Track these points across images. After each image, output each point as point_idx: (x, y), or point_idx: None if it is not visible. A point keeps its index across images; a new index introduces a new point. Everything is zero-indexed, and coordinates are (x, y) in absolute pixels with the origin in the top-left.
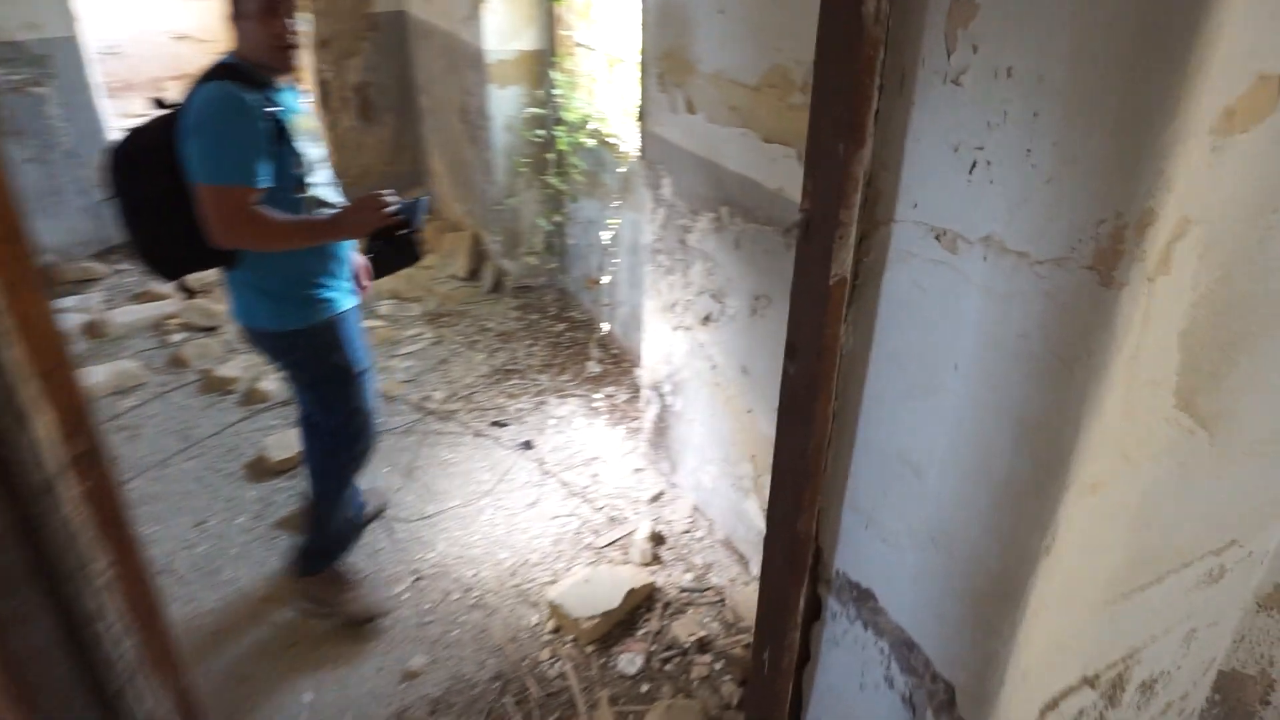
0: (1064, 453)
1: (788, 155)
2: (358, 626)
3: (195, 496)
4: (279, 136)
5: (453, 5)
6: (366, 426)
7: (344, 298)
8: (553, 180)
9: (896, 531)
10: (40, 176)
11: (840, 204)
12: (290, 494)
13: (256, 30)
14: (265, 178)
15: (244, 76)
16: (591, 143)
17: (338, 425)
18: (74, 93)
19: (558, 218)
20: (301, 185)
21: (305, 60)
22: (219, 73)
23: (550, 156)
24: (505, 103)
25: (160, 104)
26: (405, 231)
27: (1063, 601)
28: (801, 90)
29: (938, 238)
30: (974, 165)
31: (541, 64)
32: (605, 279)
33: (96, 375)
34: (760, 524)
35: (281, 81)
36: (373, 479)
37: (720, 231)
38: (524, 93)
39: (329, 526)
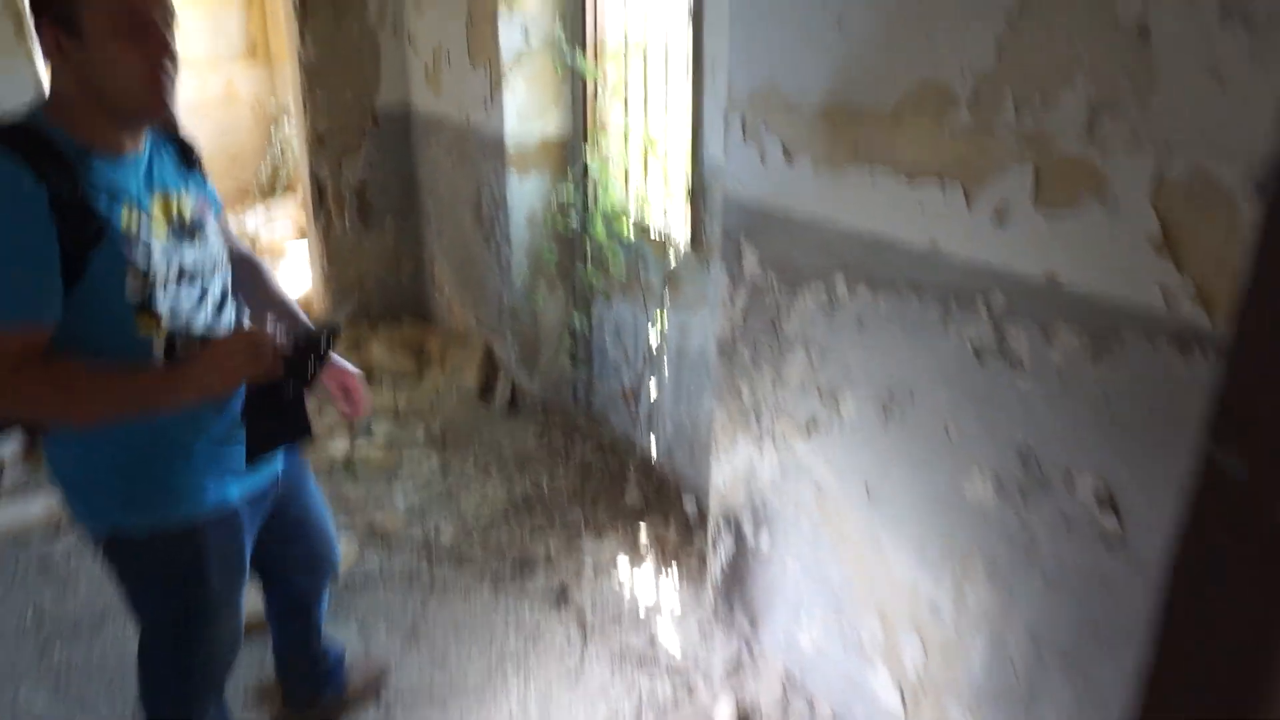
0: None
1: (947, 195)
2: None
3: None
4: (94, 239)
5: (467, 91)
6: (224, 664)
7: (227, 484)
8: (582, 278)
9: None
10: None
11: None
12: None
13: (108, 61)
14: (51, 309)
15: (36, 142)
16: (628, 234)
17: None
18: None
19: (586, 322)
20: (148, 314)
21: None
22: None
23: (578, 252)
24: (526, 193)
25: None
26: (298, 380)
27: None
28: (970, 107)
29: None
30: None
31: (568, 148)
32: (645, 392)
33: None
34: (893, 704)
35: (130, 146)
36: (364, 642)
37: (833, 309)
38: (548, 181)
39: None
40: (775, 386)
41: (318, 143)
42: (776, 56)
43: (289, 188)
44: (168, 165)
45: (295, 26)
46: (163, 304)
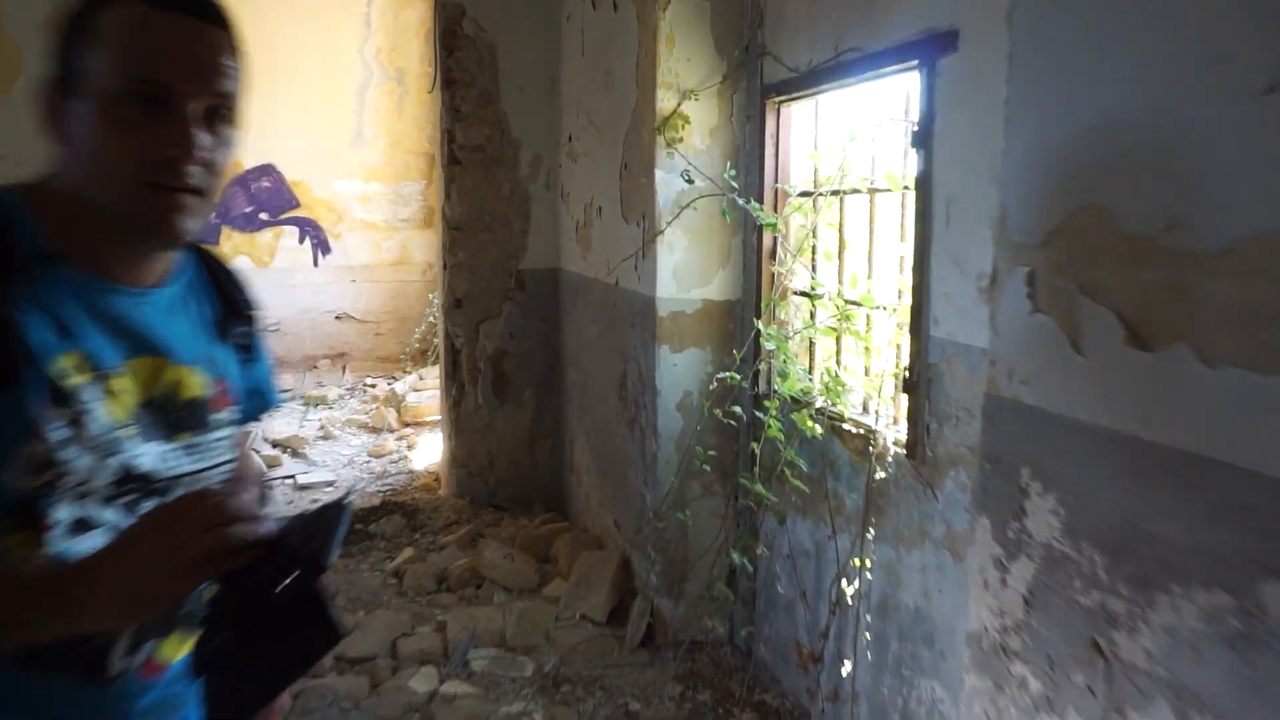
0: None
1: None
2: None
3: None
4: None
5: (617, 248)
6: None
7: None
8: (748, 485)
9: None
10: None
11: None
12: None
13: (93, 137)
14: None
15: None
16: (813, 431)
17: None
18: None
19: (751, 541)
20: (24, 521)
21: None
22: None
23: (744, 450)
24: (680, 372)
25: None
26: (288, 584)
27: None
28: None
29: None
30: None
31: (736, 317)
32: (831, 654)
33: None
34: None
35: (127, 272)
36: None
37: (1252, 642)
38: (708, 358)
39: None
40: None
41: (455, 306)
42: (1110, 168)
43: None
44: (186, 322)
45: (442, 181)
46: (61, 518)
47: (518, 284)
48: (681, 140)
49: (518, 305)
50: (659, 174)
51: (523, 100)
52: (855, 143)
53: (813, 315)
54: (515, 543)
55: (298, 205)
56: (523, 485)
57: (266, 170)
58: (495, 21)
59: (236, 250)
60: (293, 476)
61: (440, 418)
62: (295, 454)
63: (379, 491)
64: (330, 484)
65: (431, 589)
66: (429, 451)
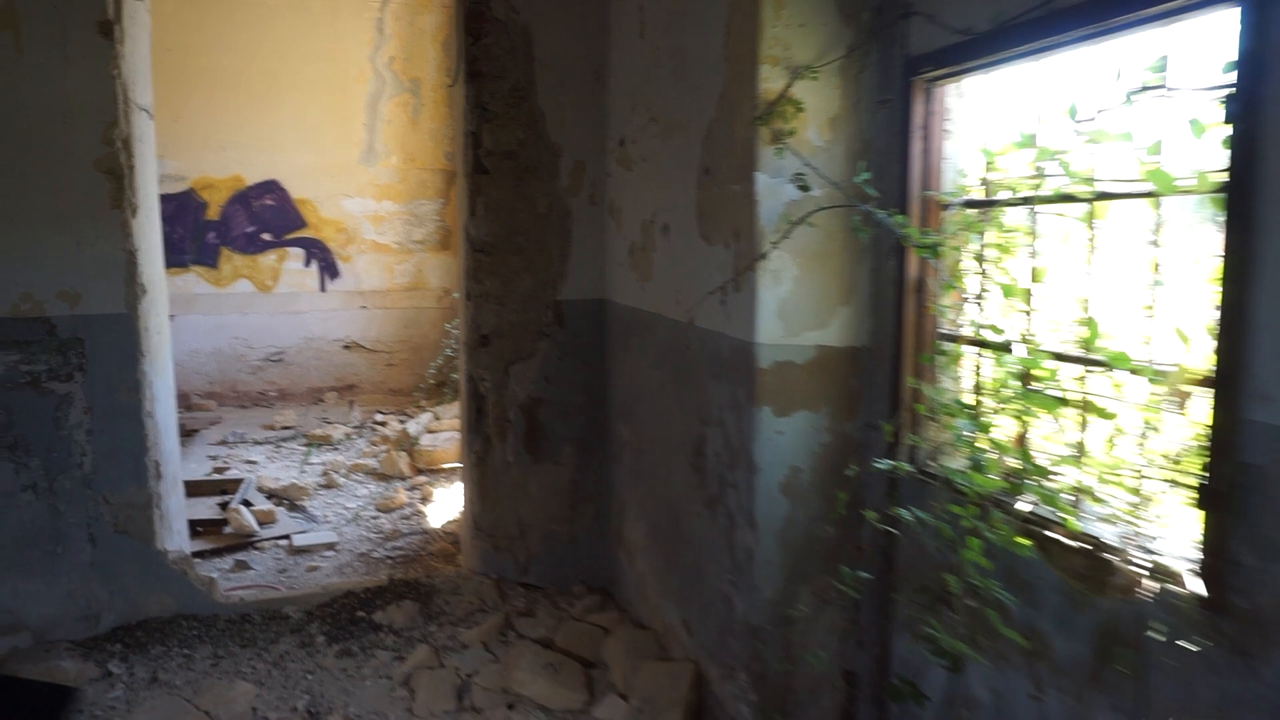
0: None
1: None
2: None
3: None
4: None
5: (692, 276)
6: None
7: None
8: (903, 608)
9: None
10: (38, 513)
11: None
12: None
13: None
14: None
15: None
16: (1019, 540)
17: None
18: (109, 394)
19: (909, 686)
20: None
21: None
22: None
23: (888, 556)
24: (788, 441)
25: None
26: None
27: None
28: None
29: None
30: None
31: (866, 369)
32: None
33: None
34: None
35: None
36: None
37: None
38: (825, 424)
39: None
40: None
41: (480, 344)
42: None
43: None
44: None
45: (466, 195)
46: None
47: (556, 318)
48: (793, 134)
49: (555, 344)
50: (760, 179)
51: (563, 96)
52: (1068, 125)
53: (1001, 373)
54: (555, 642)
55: (304, 225)
56: (560, 559)
57: (270, 187)
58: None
59: (237, 273)
60: (288, 537)
61: (460, 471)
62: (293, 506)
63: (387, 557)
64: (332, 546)
65: (450, 708)
66: (446, 505)
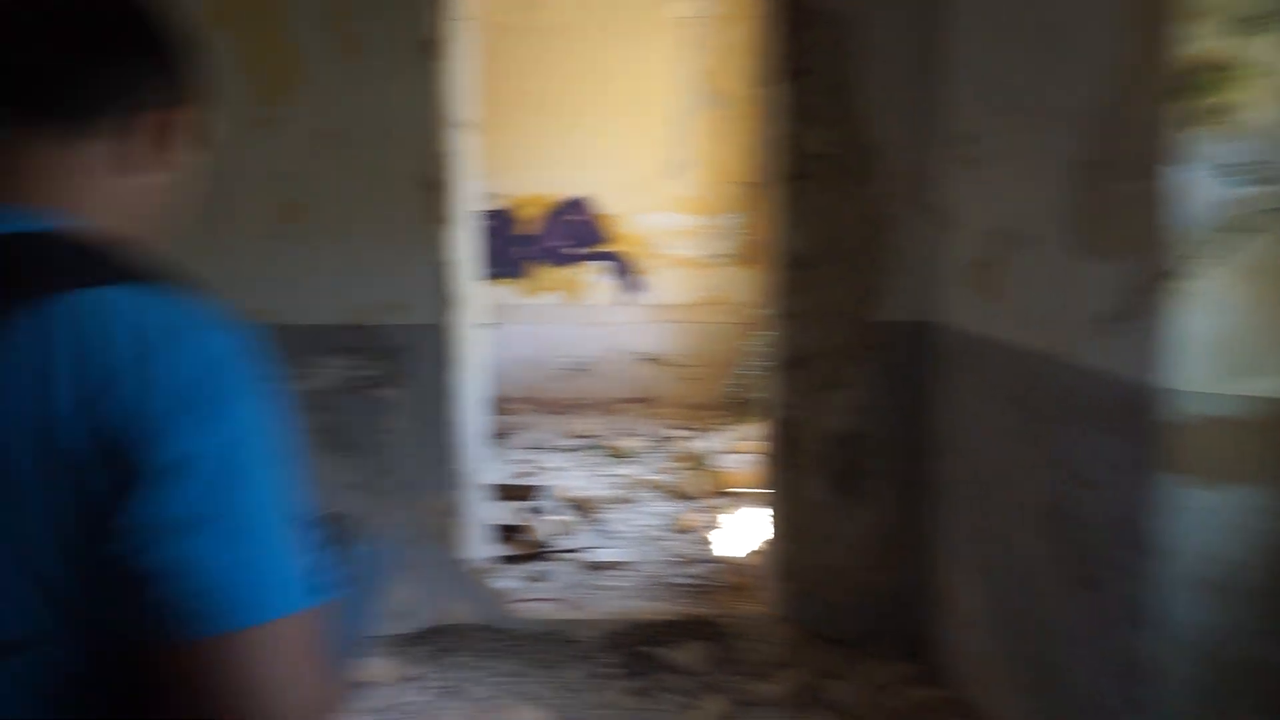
0: None
1: None
2: None
3: None
4: None
5: (1057, 299)
6: None
7: None
8: None
9: None
10: (364, 510)
11: None
12: None
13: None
14: None
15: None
16: None
17: None
18: (423, 401)
19: None
20: None
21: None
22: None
23: None
24: (1217, 522)
25: None
26: None
27: None
28: None
29: None
30: None
31: None
32: None
33: None
34: None
35: None
36: None
37: None
38: (1270, 504)
39: None
40: None
41: (793, 367)
42: None
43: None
44: None
45: (781, 203)
46: None
47: (875, 341)
48: (1231, 111)
49: (875, 370)
50: (1175, 173)
51: (889, 88)
52: None
53: None
54: (866, 718)
55: (609, 240)
56: (870, 614)
57: (578, 203)
58: None
59: (546, 285)
60: (584, 551)
61: (760, 499)
62: (590, 519)
63: (680, 584)
64: (626, 566)
65: None
66: (742, 533)
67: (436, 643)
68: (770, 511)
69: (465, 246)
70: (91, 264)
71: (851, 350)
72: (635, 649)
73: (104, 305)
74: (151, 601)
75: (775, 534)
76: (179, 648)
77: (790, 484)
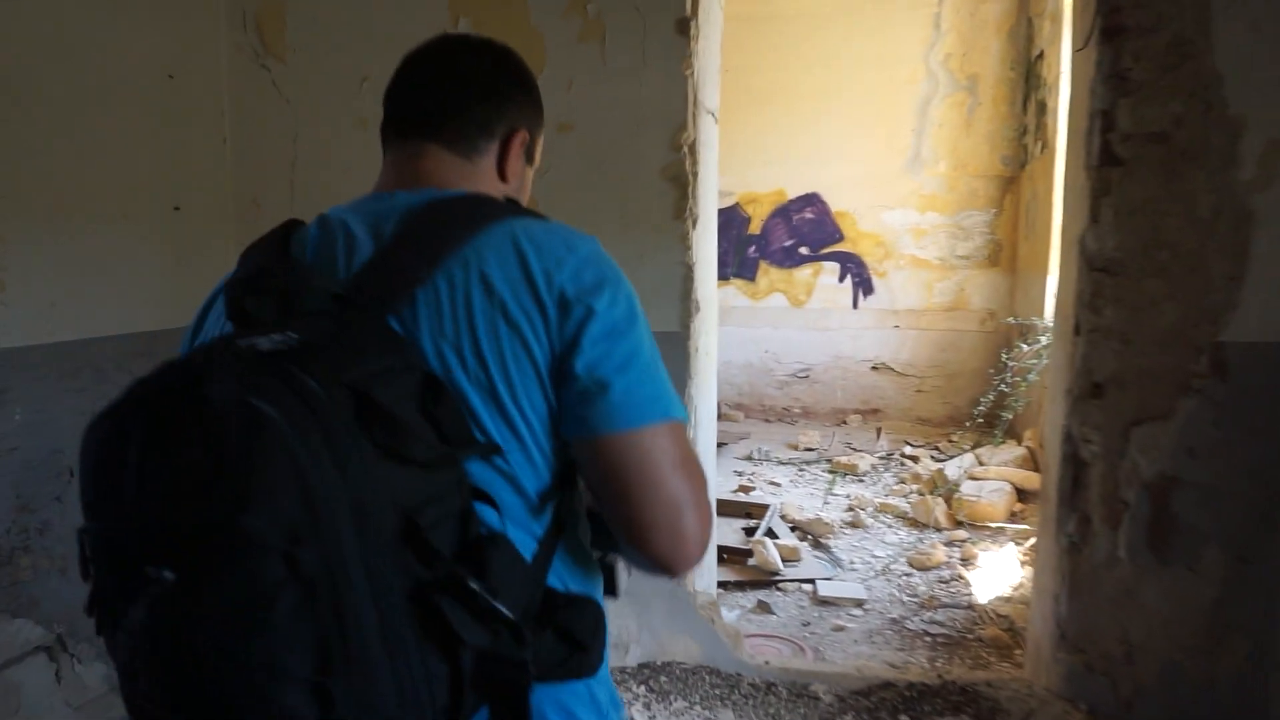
0: None
1: None
2: None
3: None
4: None
5: None
6: None
7: None
8: None
9: None
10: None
11: None
12: None
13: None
14: None
15: None
16: None
17: None
18: None
19: None
20: None
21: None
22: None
23: None
24: None
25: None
26: None
27: None
28: None
29: None
30: None
31: None
32: None
33: None
34: None
35: None
36: None
37: None
38: None
39: None
40: None
41: (1090, 394)
42: None
43: (1011, 435)
44: None
45: (1084, 195)
46: None
47: (1213, 366)
48: None
49: (1209, 403)
50: None
51: (1256, 45)
52: None
53: None
54: None
55: (841, 239)
56: (1186, 705)
57: (810, 200)
58: None
59: (772, 287)
60: (812, 582)
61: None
62: (817, 544)
63: (924, 632)
64: (860, 604)
65: None
66: (996, 576)
67: (658, 681)
68: (1043, 560)
69: (707, 247)
70: (510, 207)
71: (1175, 377)
72: (882, 716)
73: (532, 223)
74: (599, 408)
75: (1050, 590)
76: (615, 439)
77: (1075, 533)
